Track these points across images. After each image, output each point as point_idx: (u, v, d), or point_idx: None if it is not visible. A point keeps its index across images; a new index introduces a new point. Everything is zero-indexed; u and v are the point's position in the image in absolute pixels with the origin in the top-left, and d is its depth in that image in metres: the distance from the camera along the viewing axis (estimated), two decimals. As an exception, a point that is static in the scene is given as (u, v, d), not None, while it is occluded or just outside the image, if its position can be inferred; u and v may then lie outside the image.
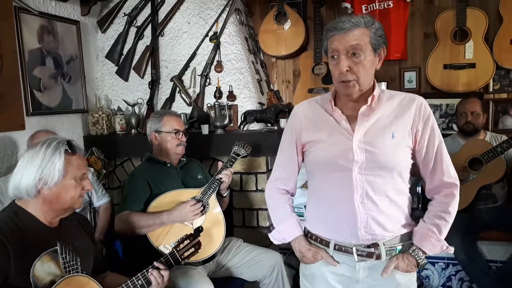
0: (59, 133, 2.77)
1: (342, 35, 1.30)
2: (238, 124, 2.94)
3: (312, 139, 1.46)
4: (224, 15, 2.96)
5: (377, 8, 3.13)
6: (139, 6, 3.11)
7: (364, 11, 3.16)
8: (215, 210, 2.15)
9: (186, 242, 1.67)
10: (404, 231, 1.42)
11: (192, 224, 2.08)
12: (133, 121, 3.04)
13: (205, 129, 2.84)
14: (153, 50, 3.08)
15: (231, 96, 2.97)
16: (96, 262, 1.62)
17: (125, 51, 3.19)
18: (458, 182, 1.40)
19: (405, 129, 1.36)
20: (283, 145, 1.58)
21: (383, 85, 3.01)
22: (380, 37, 1.33)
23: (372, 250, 1.38)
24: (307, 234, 1.53)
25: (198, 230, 1.86)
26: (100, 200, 2.60)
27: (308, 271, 1.54)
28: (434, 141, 1.38)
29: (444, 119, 3.14)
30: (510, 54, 2.79)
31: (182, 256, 1.65)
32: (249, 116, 2.86)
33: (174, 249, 1.65)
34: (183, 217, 2.04)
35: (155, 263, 1.58)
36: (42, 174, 1.37)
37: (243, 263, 2.25)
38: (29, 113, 2.62)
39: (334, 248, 1.44)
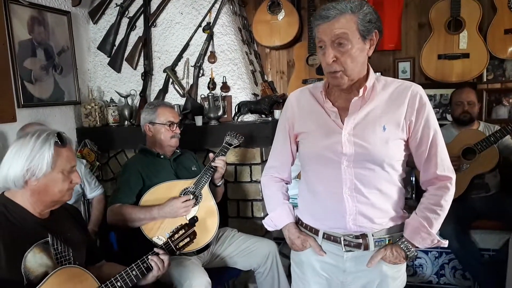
0: (52, 125, 2.76)
1: (327, 24, 1.24)
2: (232, 115, 2.93)
3: (303, 130, 1.44)
4: (217, 5, 2.93)
5: (371, -2, 3.11)
6: (131, -3, 3.08)
7: (358, 1, 3.14)
8: (209, 200, 2.14)
9: (181, 232, 1.66)
10: (395, 223, 1.40)
11: (186, 215, 2.07)
12: (126, 112, 3.02)
13: (198, 121, 2.83)
14: (145, 41, 3.05)
15: (225, 87, 2.95)
16: (90, 252, 1.61)
17: (117, 42, 3.16)
18: (453, 175, 1.35)
19: (397, 120, 1.31)
20: (278, 133, 1.57)
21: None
22: (370, 22, 1.25)
23: (360, 240, 1.37)
24: (298, 222, 1.54)
25: (193, 219, 1.85)
26: (93, 192, 2.59)
27: (297, 258, 1.55)
28: (428, 132, 1.32)
29: (438, 109, 3.15)
30: (504, 44, 2.80)
31: (177, 246, 1.64)
32: (243, 107, 2.84)
33: (168, 239, 1.65)
34: (173, 213, 2.02)
35: (155, 249, 1.59)
36: (31, 165, 1.35)
37: (237, 253, 2.26)
38: (20, 105, 2.59)
39: (323, 237, 1.43)
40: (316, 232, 1.45)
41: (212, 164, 2.18)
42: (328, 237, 1.42)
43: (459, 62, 2.89)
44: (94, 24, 3.21)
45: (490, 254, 2.66)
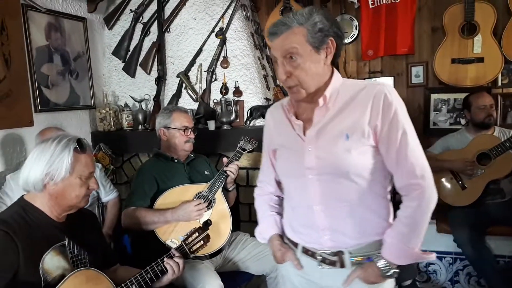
0: (67, 130, 2.80)
1: (276, 40, 1.21)
2: (244, 119, 2.94)
3: (277, 145, 1.41)
4: (230, 11, 2.95)
5: (384, 2, 3.11)
6: (145, 3, 3.12)
7: (370, 6, 3.14)
8: (222, 204, 2.15)
9: (194, 236, 1.68)
10: (375, 238, 1.29)
11: (199, 219, 2.09)
12: (140, 117, 3.05)
13: (211, 125, 2.85)
14: (159, 47, 3.09)
15: (237, 91, 2.97)
16: (105, 256, 1.64)
17: (131, 48, 3.20)
18: (425, 182, 1.21)
19: (361, 127, 1.21)
20: (263, 149, 1.54)
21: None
22: (320, 32, 1.18)
23: (336, 258, 1.30)
24: (283, 234, 1.49)
25: (207, 223, 1.87)
26: (108, 195, 2.62)
27: (280, 270, 1.52)
28: (396, 136, 1.19)
29: (452, 114, 3.12)
30: (519, 48, 2.77)
31: (191, 250, 1.66)
32: (255, 111, 2.86)
33: (182, 243, 1.66)
34: (187, 216, 2.04)
35: (172, 251, 1.60)
36: (50, 169, 1.39)
37: (250, 257, 2.26)
38: (37, 110, 2.65)
39: (302, 251, 1.38)
40: (295, 245, 1.41)
41: (225, 168, 2.20)
42: (306, 251, 1.37)
43: (473, 66, 2.86)
44: (109, 30, 3.26)
45: (506, 260, 2.63)
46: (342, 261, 1.29)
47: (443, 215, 2.77)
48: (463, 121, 3.04)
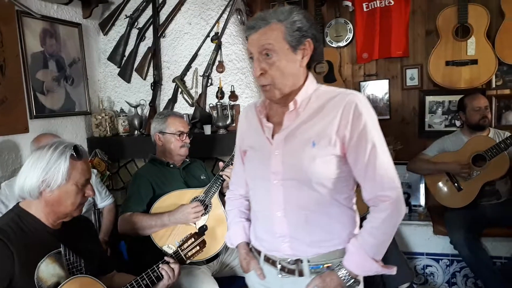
0: (63, 136, 2.79)
1: (254, 35, 1.19)
2: (241, 123, 2.94)
3: (247, 147, 1.39)
4: (225, 16, 2.96)
5: (378, 6, 3.14)
6: (141, 8, 3.12)
7: (365, 9, 3.16)
8: (218, 209, 2.15)
9: (190, 241, 1.68)
10: (336, 247, 1.27)
11: (195, 224, 2.08)
12: (136, 122, 3.05)
13: (207, 129, 2.85)
14: (154, 52, 3.09)
15: (233, 96, 2.97)
16: (101, 263, 1.63)
17: (127, 53, 3.20)
18: (394, 194, 1.19)
19: (329, 135, 1.19)
20: (235, 149, 1.52)
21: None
22: (299, 31, 1.17)
23: (294, 266, 1.27)
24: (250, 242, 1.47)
25: (203, 228, 1.86)
26: (104, 201, 2.61)
27: (246, 280, 1.50)
28: (365, 147, 1.17)
29: (446, 116, 3.14)
30: (512, 50, 2.79)
31: (187, 255, 1.66)
32: (252, 115, 2.86)
33: (178, 248, 1.66)
34: (184, 219, 2.04)
35: (166, 258, 1.60)
36: (46, 177, 1.38)
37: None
38: (32, 116, 2.64)
39: (264, 259, 1.36)
40: (259, 253, 1.39)
41: (221, 173, 2.20)
42: (267, 259, 1.35)
43: (467, 68, 2.88)
44: (104, 35, 3.26)
45: (502, 261, 2.64)
46: (301, 269, 1.27)
47: (440, 217, 2.78)
48: (458, 123, 3.05)
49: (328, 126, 1.19)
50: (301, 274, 1.27)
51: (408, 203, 3.09)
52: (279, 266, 1.31)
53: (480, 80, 2.88)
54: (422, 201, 3.12)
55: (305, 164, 1.20)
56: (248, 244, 1.46)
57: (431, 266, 2.84)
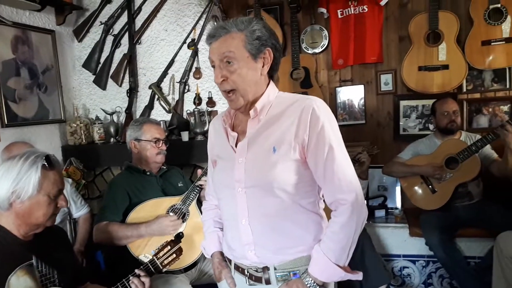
0: (36, 144, 2.73)
1: (215, 43, 1.22)
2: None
3: (215, 157, 1.41)
4: (201, 22, 2.97)
5: (353, 12, 3.19)
6: (116, 15, 3.10)
7: (339, 16, 3.21)
8: (196, 217, 2.14)
9: (166, 249, 1.66)
10: (302, 254, 1.27)
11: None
12: (112, 129, 3.01)
13: (185, 136, 2.84)
14: (130, 58, 3.07)
15: (211, 102, 2.97)
16: (75, 274, 1.60)
17: (102, 60, 3.17)
18: (352, 197, 1.19)
19: (288, 140, 1.20)
20: (208, 159, 1.53)
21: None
22: (258, 40, 1.20)
23: (261, 274, 1.28)
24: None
25: (179, 236, 1.85)
26: (79, 210, 2.56)
27: None
28: (323, 150, 1.19)
29: (420, 120, 3.21)
30: (481, 55, 2.87)
31: (163, 264, 1.64)
32: (229, 122, 2.86)
33: (154, 257, 1.64)
34: (161, 231, 2.02)
35: (136, 271, 1.58)
36: (16, 187, 1.35)
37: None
38: (4, 125, 2.57)
39: (234, 268, 1.37)
40: (229, 262, 1.40)
41: (198, 183, 2.18)
42: (237, 267, 1.36)
43: (439, 73, 2.95)
44: (78, 42, 3.21)
45: (476, 261, 2.70)
46: (268, 277, 1.28)
47: (416, 219, 2.83)
48: (431, 127, 3.12)
49: (288, 131, 1.21)
50: (267, 282, 1.28)
51: (384, 206, 3.14)
52: (247, 274, 1.32)
53: (452, 84, 2.96)
54: (399, 204, 3.17)
55: (266, 170, 1.21)
56: (221, 253, 1.47)
57: (407, 267, 2.88)
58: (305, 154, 1.22)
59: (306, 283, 1.23)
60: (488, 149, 2.70)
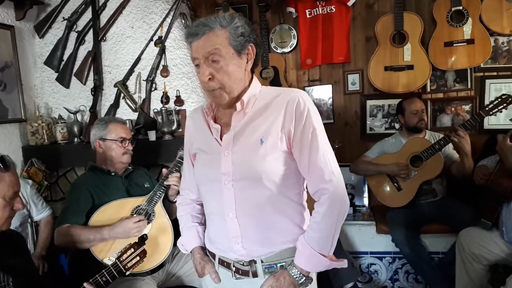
0: (-6, 145, 2.61)
1: (198, 41, 1.20)
2: (187, 128, 2.90)
3: (196, 150, 1.39)
4: (168, 19, 2.91)
5: (321, 12, 3.22)
6: (79, 11, 2.99)
7: (308, 16, 3.24)
8: (162, 217, 2.09)
9: (130, 252, 1.63)
10: (288, 246, 1.29)
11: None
12: (75, 129, 2.92)
13: (152, 135, 2.78)
14: (95, 56, 2.98)
15: (179, 101, 2.92)
16: (32, 280, 1.53)
17: (65, 57, 3.06)
18: (333, 187, 1.22)
19: (275, 132, 1.22)
20: (184, 154, 1.50)
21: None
22: (242, 36, 1.20)
23: (248, 268, 1.28)
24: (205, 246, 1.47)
25: (143, 238, 1.80)
26: (41, 213, 2.46)
27: (202, 284, 1.50)
28: (307, 141, 1.22)
29: (386, 119, 3.27)
30: (444, 56, 2.96)
31: (126, 267, 1.60)
32: (198, 120, 2.83)
33: (117, 260, 1.60)
34: (125, 234, 1.96)
35: (85, 284, 1.52)
36: (-32, 191, 1.28)
37: (194, 271, 2.20)
38: (-42, 125, 2.45)
39: (219, 262, 1.36)
40: (213, 256, 1.39)
41: (165, 183, 2.14)
42: (222, 262, 1.35)
43: (404, 73, 3.02)
44: (40, 38, 3.09)
45: (440, 256, 2.78)
46: (255, 270, 1.28)
47: (382, 216, 2.88)
48: (397, 126, 3.19)
49: (274, 123, 1.23)
50: (255, 275, 1.29)
51: (352, 204, 3.19)
52: (233, 268, 1.31)
53: (416, 84, 3.03)
54: (366, 202, 3.22)
55: (254, 162, 1.22)
56: (202, 248, 1.46)
57: (375, 264, 2.94)
58: (291, 145, 1.25)
59: (293, 274, 1.25)
60: (450, 149, 2.78)
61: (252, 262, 1.28)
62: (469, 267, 2.33)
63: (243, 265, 1.30)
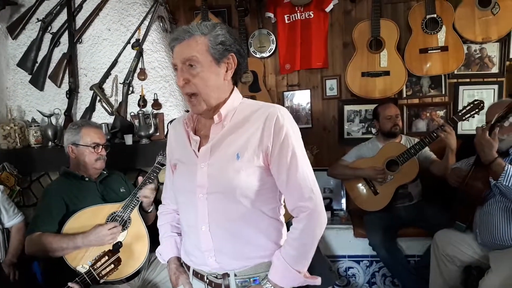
0: (-37, 149, 2.52)
1: (178, 47, 1.21)
2: (165, 133, 2.87)
3: (175, 160, 1.38)
4: (146, 22, 2.88)
5: (299, 18, 3.24)
6: (54, 12, 2.93)
7: (286, 21, 3.26)
8: (138, 224, 2.06)
9: (104, 259, 1.60)
10: (263, 260, 1.28)
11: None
12: (49, 133, 2.84)
13: (128, 139, 2.74)
14: (70, 58, 2.92)
15: (156, 104, 2.89)
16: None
17: (39, 59, 2.99)
18: (312, 204, 1.22)
19: (252, 147, 1.21)
20: (166, 163, 1.49)
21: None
22: (221, 44, 1.20)
23: (221, 281, 1.27)
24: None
25: (117, 245, 1.77)
26: (12, 219, 2.38)
27: None
28: (286, 158, 1.21)
29: (363, 124, 3.32)
30: (419, 63, 3.02)
31: (100, 274, 1.57)
32: (176, 124, 2.80)
33: (91, 268, 1.57)
34: (99, 241, 1.92)
35: (69, 284, 1.49)
36: None
37: (170, 277, 2.19)
38: None
39: (193, 274, 1.36)
40: (188, 268, 1.38)
41: (138, 195, 2.10)
42: (196, 274, 1.35)
43: (381, 79, 3.07)
44: (13, 39, 3.01)
45: (416, 259, 2.82)
46: (228, 283, 1.27)
47: (360, 220, 2.91)
48: (374, 131, 3.23)
49: (252, 138, 1.22)
50: None
51: (330, 208, 3.21)
52: (206, 281, 1.30)
53: (392, 90, 3.08)
54: (344, 206, 3.25)
55: (229, 177, 1.20)
56: (179, 259, 1.44)
57: (352, 267, 2.96)
58: (268, 161, 1.23)
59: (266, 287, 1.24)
60: (427, 151, 2.83)
61: (225, 275, 1.27)
62: (443, 268, 2.37)
63: (216, 277, 1.29)
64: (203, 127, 1.32)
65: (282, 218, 1.35)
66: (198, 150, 1.27)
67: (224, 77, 1.24)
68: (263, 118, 1.22)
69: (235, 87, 1.31)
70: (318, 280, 1.27)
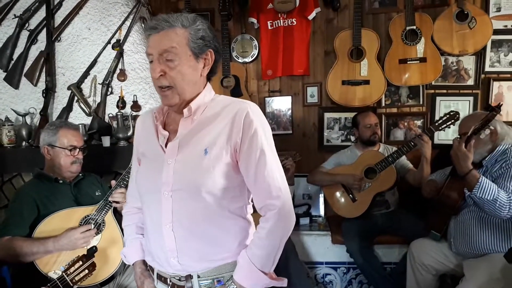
0: None
1: (155, 36, 1.15)
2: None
3: (141, 155, 1.32)
4: (128, 23, 2.85)
5: (282, 25, 3.25)
6: (32, 9, 2.87)
7: (269, 27, 3.26)
8: (112, 228, 2.01)
9: (78, 265, 1.56)
10: (226, 261, 1.24)
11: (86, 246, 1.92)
12: (23, 132, 2.77)
13: (106, 141, 2.69)
14: (48, 56, 2.85)
15: (136, 106, 2.86)
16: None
17: (15, 56, 2.91)
18: (280, 203, 1.19)
19: (221, 143, 1.18)
20: (133, 158, 1.43)
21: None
22: (202, 39, 1.18)
23: (183, 283, 1.23)
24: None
25: (92, 250, 1.72)
26: (-19, 222, 2.30)
27: None
28: (255, 155, 1.18)
29: (343, 132, 3.35)
30: (398, 73, 3.07)
31: (74, 280, 1.53)
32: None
33: (63, 273, 1.52)
34: (72, 245, 1.87)
35: None
36: None
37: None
38: None
39: (157, 277, 1.31)
40: (152, 271, 1.34)
41: (110, 199, 2.05)
42: (160, 277, 1.30)
43: (361, 88, 3.11)
44: (-12, 35, 2.93)
45: (391, 267, 2.85)
46: (191, 285, 1.23)
47: (338, 227, 2.93)
48: (353, 138, 3.27)
49: (221, 134, 1.19)
50: None
51: (308, 214, 3.22)
52: (170, 283, 1.26)
53: (372, 99, 3.12)
54: (322, 212, 3.27)
55: (196, 173, 1.17)
56: (144, 262, 1.40)
57: (330, 274, 2.97)
58: (237, 158, 1.20)
59: None
60: (404, 160, 2.88)
61: (188, 277, 1.23)
62: (419, 276, 2.41)
63: (179, 280, 1.25)
64: (172, 121, 1.28)
65: (250, 217, 1.33)
66: (166, 146, 1.23)
67: (201, 73, 1.22)
68: (233, 113, 1.20)
69: (208, 83, 1.28)
70: (284, 282, 1.25)
